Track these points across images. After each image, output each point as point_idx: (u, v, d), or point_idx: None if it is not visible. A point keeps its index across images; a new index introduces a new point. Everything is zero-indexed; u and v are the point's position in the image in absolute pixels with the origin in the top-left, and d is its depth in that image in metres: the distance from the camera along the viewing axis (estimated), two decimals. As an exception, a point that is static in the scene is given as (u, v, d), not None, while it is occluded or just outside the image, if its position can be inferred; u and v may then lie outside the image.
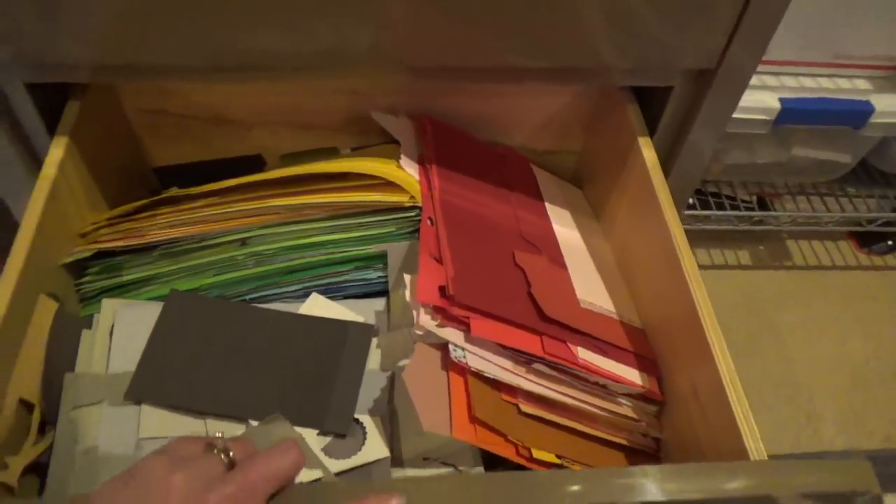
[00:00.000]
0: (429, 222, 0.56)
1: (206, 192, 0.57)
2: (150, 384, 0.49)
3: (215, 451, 0.34)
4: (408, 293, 0.51)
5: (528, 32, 0.52)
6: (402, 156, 0.62)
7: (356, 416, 0.50)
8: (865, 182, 1.00)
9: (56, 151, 0.53)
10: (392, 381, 0.52)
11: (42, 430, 0.48)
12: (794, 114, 0.77)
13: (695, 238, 1.03)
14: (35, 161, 0.56)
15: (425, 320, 0.49)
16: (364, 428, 0.50)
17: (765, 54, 0.56)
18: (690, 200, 0.92)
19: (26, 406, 0.47)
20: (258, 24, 0.49)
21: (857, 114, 0.77)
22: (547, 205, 0.67)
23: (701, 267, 1.01)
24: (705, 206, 0.93)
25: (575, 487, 0.36)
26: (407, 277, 0.53)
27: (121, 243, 0.56)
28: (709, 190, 0.95)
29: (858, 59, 0.79)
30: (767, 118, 0.77)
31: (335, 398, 0.51)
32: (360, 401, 0.51)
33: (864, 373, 0.90)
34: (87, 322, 0.53)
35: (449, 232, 0.56)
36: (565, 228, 0.66)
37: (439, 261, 0.53)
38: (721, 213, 0.91)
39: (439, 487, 0.37)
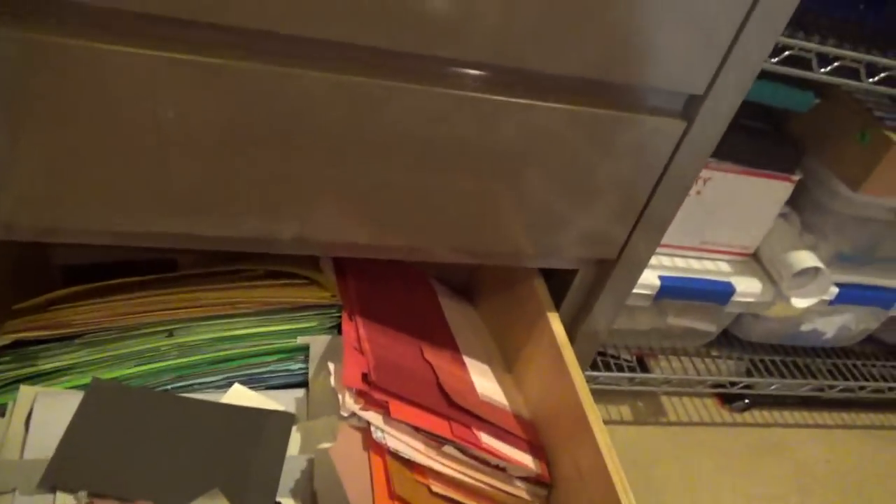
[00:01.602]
0: (348, 317, 0.63)
1: (128, 283, 0.59)
2: (68, 471, 0.47)
3: None
4: (332, 379, 0.57)
5: (453, 224, 0.57)
6: (322, 260, 0.69)
7: (278, 499, 0.52)
8: (725, 346, 1.13)
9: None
10: (312, 464, 0.55)
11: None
12: (671, 290, 0.87)
13: (582, 394, 1.10)
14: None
15: (350, 403, 0.54)
16: (286, 510, 0.50)
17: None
18: (580, 360, 0.99)
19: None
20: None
21: (722, 293, 0.89)
22: (447, 316, 0.73)
23: (588, 422, 1.07)
24: (594, 366, 1.00)
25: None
26: (331, 366, 0.58)
27: (44, 333, 0.55)
28: (597, 350, 1.03)
29: (720, 245, 0.91)
30: (649, 293, 0.86)
31: (256, 482, 0.52)
32: (282, 485, 0.53)
33: (737, 530, 0.97)
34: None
35: (367, 327, 0.63)
36: (462, 337, 0.71)
37: (360, 352, 0.59)
38: (609, 374, 0.98)
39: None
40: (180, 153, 0.47)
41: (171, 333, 0.58)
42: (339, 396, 0.55)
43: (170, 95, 0.44)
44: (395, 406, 0.55)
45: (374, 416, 0.55)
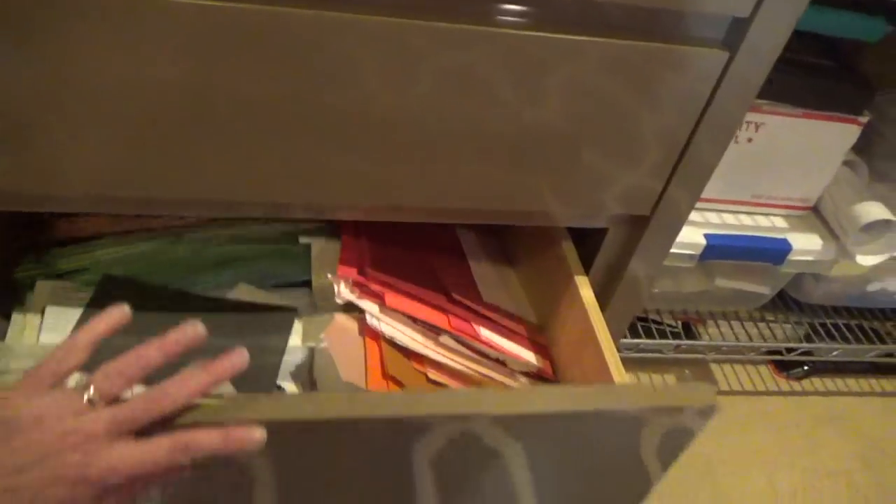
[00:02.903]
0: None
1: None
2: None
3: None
4: (330, 274, 0.59)
5: (489, 183, 0.51)
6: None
7: (278, 382, 0.55)
8: (782, 309, 1.04)
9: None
10: (312, 354, 0.58)
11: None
12: (718, 250, 0.78)
13: (626, 363, 1.03)
14: None
15: (345, 292, 0.56)
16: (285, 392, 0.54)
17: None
18: (619, 326, 0.92)
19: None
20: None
21: (777, 252, 0.80)
22: (473, 270, 0.70)
23: (630, 392, 1.00)
24: (634, 332, 0.93)
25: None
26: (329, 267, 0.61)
27: (62, 236, 0.61)
28: (637, 315, 0.96)
29: (775, 199, 0.82)
30: (693, 253, 0.78)
31: (259, 368, 0.54)
32: (283, 371, 0.56)
33: (794, 508, 0.89)
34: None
35: (371, 242, 0.64)
36: (485, 286, 0.68)
37: (358, 246, 0.62)
38: (651, 341, 0.91)
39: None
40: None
41: (179, 236, 0.62)
42: (335, 287, 0.57)
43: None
44: (391, 296, 0.57)
45: (369, 305, 0.56)
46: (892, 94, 0.80)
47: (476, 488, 0.47)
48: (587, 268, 0.61)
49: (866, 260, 0.80)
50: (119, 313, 0.38)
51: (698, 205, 0.81)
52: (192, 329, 0.38)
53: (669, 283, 0.89)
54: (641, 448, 0.46)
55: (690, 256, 0.79)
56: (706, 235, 0.78)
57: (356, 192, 0.50)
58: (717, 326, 1.01)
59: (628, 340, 0.90)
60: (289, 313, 0.60)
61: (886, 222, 0.79)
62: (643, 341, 0.91)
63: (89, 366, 0.37)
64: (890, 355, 1.02)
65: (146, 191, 0.46)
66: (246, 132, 0.44)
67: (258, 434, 0.35)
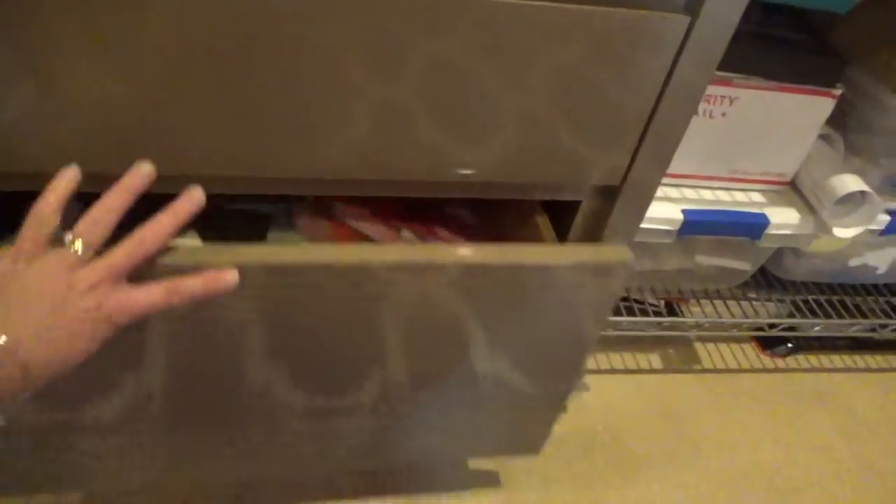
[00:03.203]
0: None
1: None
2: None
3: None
4: None
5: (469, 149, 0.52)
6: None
7: None
8: (765, 287, 1.04)
9: None
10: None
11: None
12: (696, 225, 0.79)
13: (608, 343, 1.03)
14: None
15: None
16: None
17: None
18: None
19: None
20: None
21: (755, 226, 0.80)
22: None
23: (615, 371, 1.01)
24: (616, 312, 0.93)
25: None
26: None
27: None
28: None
29: (752, 174, 0.82)
30: (671, 228, 0.78)
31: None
32: None
33: (777, 482, 0.90)
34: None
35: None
36: None
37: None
38: (632, 319, 0.91)
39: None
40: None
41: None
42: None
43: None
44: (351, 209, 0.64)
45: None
46: (864, 67, 0.80)
47: (431, 337, 0.56)
48: (562, 242, 0.62)
49: (843, 232, 0.80)
50: (71, 171, 0.41)
51: (675, 181, 0.82)
52: (142, 167, 0.41)
53: (650, 261, 0.90)
54: (571, 304, 0.55)
55: (668, 232, 0.79)
56: (684, 211, 0.78)
57: (352, 166, 0.50)
58: (700, 306, 1.02)
59: (610, 318, 0.90)
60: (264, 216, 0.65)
61: (862, 194, 0.79)
62: (625, 319, 0.91)
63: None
64: (872, 330, 1.03)
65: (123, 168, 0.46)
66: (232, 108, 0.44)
67: (231, 276, 0.42)
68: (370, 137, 0.48)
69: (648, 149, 0.54)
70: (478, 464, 0.85)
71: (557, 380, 0.65)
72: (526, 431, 0.73)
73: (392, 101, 0.47)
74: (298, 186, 0.52)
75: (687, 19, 0.47)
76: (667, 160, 0.56)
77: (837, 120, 0.81)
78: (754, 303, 1.05)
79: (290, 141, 0.47)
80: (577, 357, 0.62)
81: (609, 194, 0.59)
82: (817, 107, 0.77)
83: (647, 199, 0.59)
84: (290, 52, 0.43)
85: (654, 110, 0.52)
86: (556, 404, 0.69)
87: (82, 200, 0.42)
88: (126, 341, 0.42)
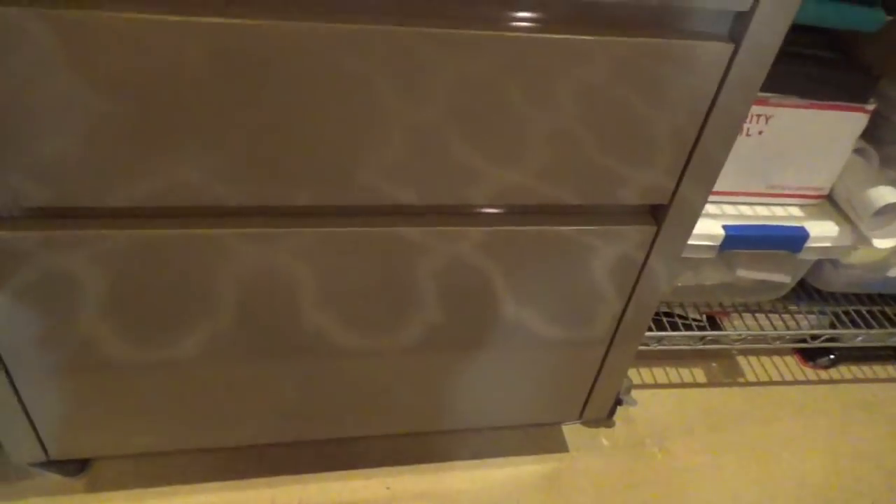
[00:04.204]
0: None
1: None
2: None
3: None
4: None
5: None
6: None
7: None
8: (805, 300, 1.05)
9: None
10: None
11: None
12: (737, 240, 0.81)
13: (651, 357, 1.05)
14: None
15: None
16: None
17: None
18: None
19: None
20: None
21: (795, 239, 0.82)
22: None
23: (659, 385, 1.02)
24: (659, 326, 0.95)
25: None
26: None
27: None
28: (662, 310, 0.98)
29: (790, 188, 0.85)
30: (713, 244, 0.81)
31: None
32: None
33: (827, 492, 0.91)
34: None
35: None
36: None
37: None
38: (675, 333, 0.93)
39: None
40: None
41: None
42: None
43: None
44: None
45: None
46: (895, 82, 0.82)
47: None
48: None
49: (882, 243, 0.82)
50: None
51: (715, 198, 0.85)
52: None
53: (692, 276, 0.92)
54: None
55: (710, 248, 0.81)
56: (725, 226, 0.81)
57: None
58: (742, 319, 1.03)
59: (653, 333, 0.92)
60: None
61: (900, 205, 0.81)
62: (668, 334, 0.93)
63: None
64: (915, 339, 1.04)
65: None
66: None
67: None
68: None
69: (694, 170, 0.57)
70: (528, 467, 0.87)
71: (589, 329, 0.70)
72: (564, 394, 0.77)
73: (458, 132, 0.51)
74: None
75: (730, 47, 0.50)
76: (712, 180, 0.59)
77: (872, 134, 0.83)
78: (796, 315, 1.06)
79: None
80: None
81: (657, 214, 0.62)
82: (851, 122, 0.79)
83: (693, 218, 0.62)
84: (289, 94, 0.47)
85: (699, 134, 0.55)
86: (592, 362, 0.74)
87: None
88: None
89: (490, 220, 0.58)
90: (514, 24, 0.47)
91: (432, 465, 0.86)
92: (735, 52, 0.50)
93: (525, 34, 0.46)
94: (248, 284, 0.57)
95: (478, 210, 0.58)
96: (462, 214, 0.58)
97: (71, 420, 0.65)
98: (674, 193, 0.59)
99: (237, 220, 0.53)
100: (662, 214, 0.61)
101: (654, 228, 0.61)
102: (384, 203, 0.54)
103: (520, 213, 0.59)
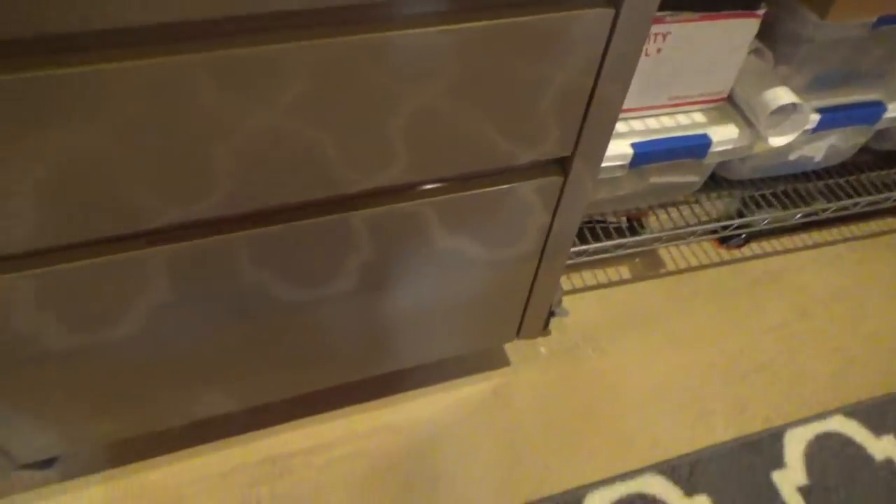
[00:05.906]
0: None
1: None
2: None
3: None
4: None
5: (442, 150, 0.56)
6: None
7: None
8: (715, 189, 1.12)
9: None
10: None
11: None
12: (645, 156, 0.85)
13: (578, 264, 1.11)
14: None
15: None
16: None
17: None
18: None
19: None
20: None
21: (699, 147, 0.87)
22: None
23: (588, 287, 1.09)
24: (580, 236, 1.01)
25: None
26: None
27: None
28: (583, 221, 1.03)
29: (691, 97, 0.88)
30: (624, 163, 0.85)
31: None
32: None
33: (741, 364, 1.01)
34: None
35: None
36: None
37: None
38: (598, 244, 0.99)
39: None
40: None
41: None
42: None
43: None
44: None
45: None
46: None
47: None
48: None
49: (777, 141, 0.87)
50: None
51: (622, 115, 0.88)
52: None
53: (608, 189, 0.96)
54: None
55: (622, 167, 0.85)
56: (633, 145, 0.85)
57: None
58: (657, 215, 1.10)
59: (578, 248, 0.98)
60: None
61: (793, 105, 0.86)
62: (591, 246, 0.99)
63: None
64: (815, 214, 1.12)
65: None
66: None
67: None
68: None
69: (592, 123, 0.60)
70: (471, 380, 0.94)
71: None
72: (500, 317, 0.83)
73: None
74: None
75: (612, 11, 0.51)
76: (610, 129, 0.61)
77: (767, 33, 0.86)
78: (708, 202, 1.13)
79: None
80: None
81: (565, 164, 0.65)
82: (744, 28, 0.82)
83: (597, 162, 0.65)
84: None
85: (592, 92, 0.57)
86: (524, 278, 0.78)
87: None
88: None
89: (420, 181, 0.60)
90: (391, 21, 0.47)
91: (387, 399, 0.93)
92: (616, 16, 0.51)
93: (412, 31, 0.46)
94: (181, 263, 0.58)
95: (409, 184, 0.60)
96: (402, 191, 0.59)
97: (29, 423, 0.67)
98: (574, 148, 0.61)
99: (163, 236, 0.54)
100: (568, 165, 0.64)
101: (562, 180, 0.65)
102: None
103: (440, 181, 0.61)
